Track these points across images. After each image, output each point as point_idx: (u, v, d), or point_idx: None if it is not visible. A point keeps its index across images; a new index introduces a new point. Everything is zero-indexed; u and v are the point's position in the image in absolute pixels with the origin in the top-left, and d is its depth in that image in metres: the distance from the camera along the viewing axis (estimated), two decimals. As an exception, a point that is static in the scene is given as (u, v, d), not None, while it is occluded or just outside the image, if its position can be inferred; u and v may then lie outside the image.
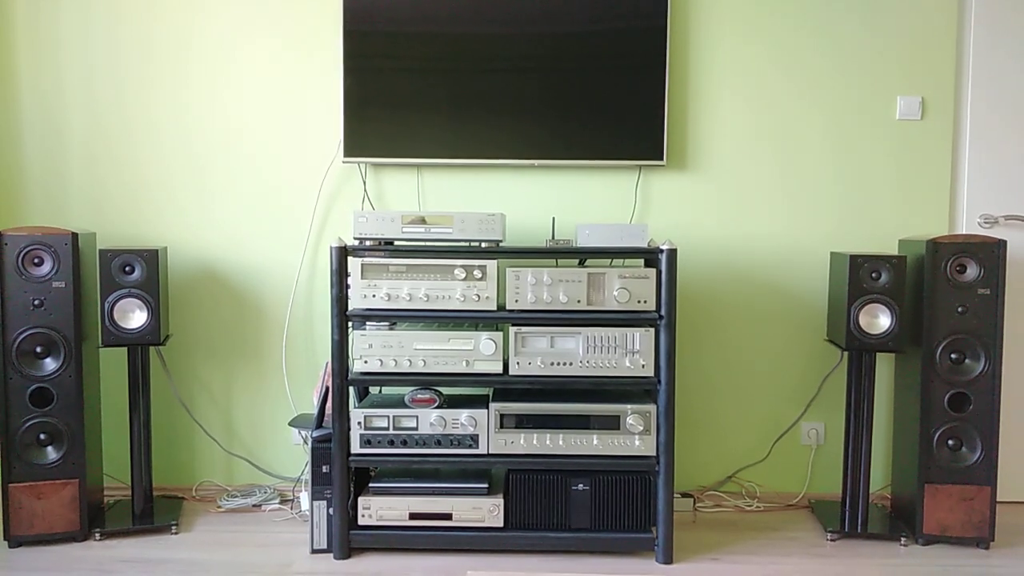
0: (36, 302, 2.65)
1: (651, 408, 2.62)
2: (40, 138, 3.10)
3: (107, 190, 3.12)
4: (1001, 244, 2.69)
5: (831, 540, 2.80)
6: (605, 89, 2.99)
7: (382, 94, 3.00)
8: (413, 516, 2.63)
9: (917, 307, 2.78)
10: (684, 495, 3.05)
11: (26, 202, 3.12)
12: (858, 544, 2.78)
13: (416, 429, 2.63)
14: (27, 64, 3.08)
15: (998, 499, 2.88)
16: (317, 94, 3.10)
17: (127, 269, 2.74)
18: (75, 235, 2.67)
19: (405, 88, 3.00)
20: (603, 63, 2.99)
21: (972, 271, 2.71)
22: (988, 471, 2.71)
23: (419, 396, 2.65)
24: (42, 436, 2.68)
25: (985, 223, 3.09)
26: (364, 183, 3.11)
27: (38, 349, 2.67)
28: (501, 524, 2.63)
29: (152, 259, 2.74)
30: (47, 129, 3.10)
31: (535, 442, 2.62)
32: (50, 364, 2.68)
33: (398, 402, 2.72)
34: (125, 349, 2.90)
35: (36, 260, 2.66)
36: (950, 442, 2.73)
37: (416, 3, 2.97)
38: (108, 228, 3.12)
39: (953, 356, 2.72)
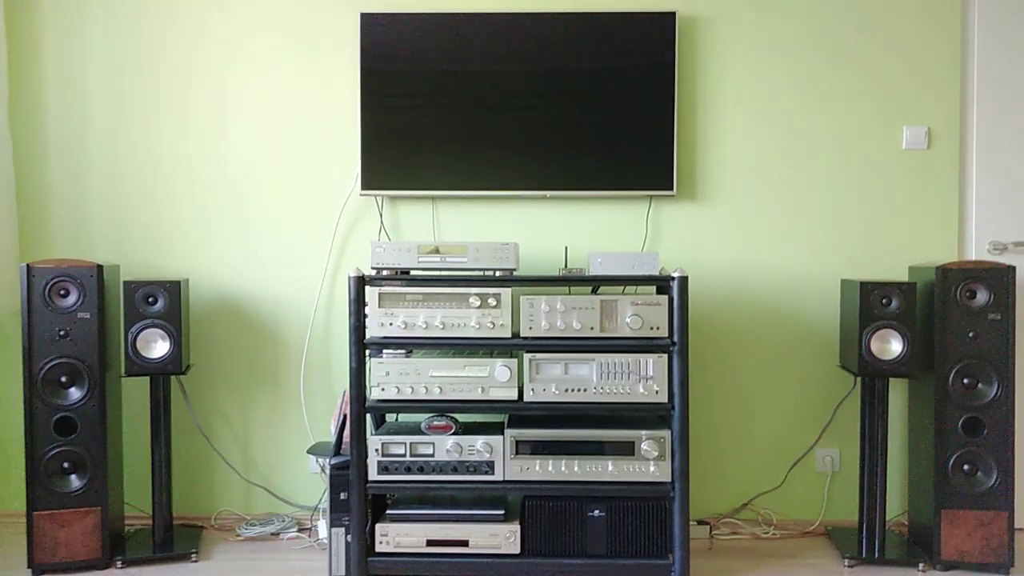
0: (62, 332, 2.71)
1: (665, 434, 2.64)
2: (65, 175, 3.19)
3: (130, 223, 3.20)
4: (1010, 270, 2.71)
5: (849, 567, 2.79)
6: (615, 122, 3.06)
7: (398, 129, 3.08)
8: (430, 543, 2.65)
9: (928, 333, 2.80)
10: (700, 522, 3.05)
11: (53, 235, 3.20)
12: (876, 571, 2.77)
13: (432, 456, 2.66)
14: (53, 100, 3.17)
15: (1016, 525, 2.86)
16: (334, 129, 3.17)
17: (150, 300, 2.80)
18: (100, 267, 2.74)
19: (420, 123, 3.07)
20: (613, 97, 3.05)
21: (982, 296, 2.73)
22: (1005, 496, 2.71)
23: (435, 423, 2.68)
24: (66, 464, 2.72)
25: (994, 249, 3.11)
26: (380, 215, 3.17)
27: (63, 378, 2.72)
28: (518, 550, 2.65)
29: (174, 290, 2.80)
30: (71, 166, 3.19)
31: (551, 468, 2.64)
32: (74, 393, 2.73)
33: (415, 429, 2.75)
34: (147, 378, 2.95)
35: (62, 291, 2.73)
36: (965, 467, 2.73)
37: (430, 43, 3.06)
38: (131, 260, 3.19)
39: (966, 381, 2.73)
